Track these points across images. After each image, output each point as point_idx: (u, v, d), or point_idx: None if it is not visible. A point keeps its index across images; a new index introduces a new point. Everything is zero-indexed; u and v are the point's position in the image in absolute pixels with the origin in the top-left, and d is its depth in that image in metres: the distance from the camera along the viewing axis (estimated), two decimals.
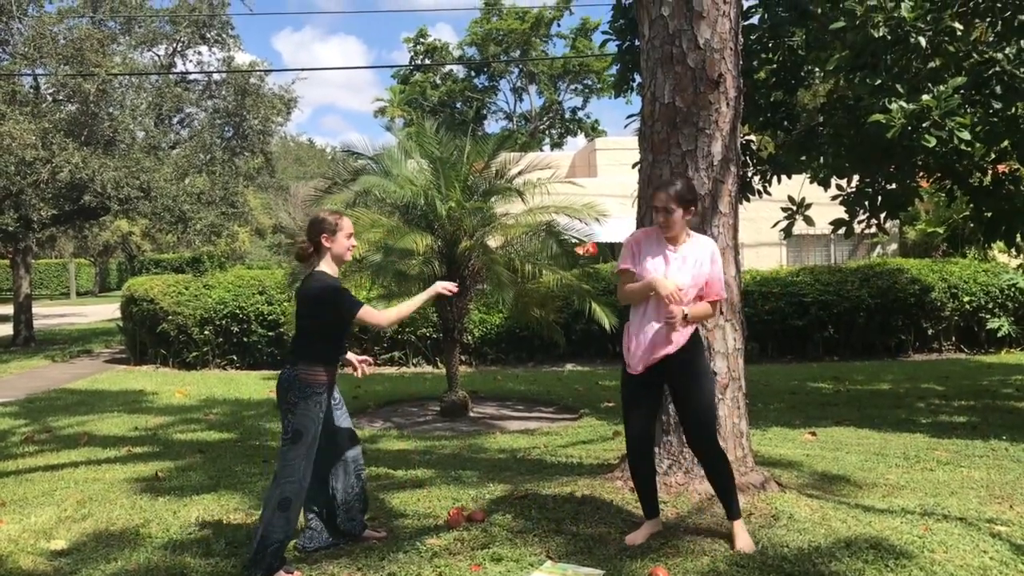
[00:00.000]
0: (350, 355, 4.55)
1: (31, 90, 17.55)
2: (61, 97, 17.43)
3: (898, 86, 7.33)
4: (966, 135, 7.00)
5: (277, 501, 4.07)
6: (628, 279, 4.28)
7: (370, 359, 4.67)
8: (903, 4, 7.13)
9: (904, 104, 7.04)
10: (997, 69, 7.57)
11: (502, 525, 4.60)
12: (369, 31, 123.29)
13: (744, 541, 4.19)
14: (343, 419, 4.48)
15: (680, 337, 4.20)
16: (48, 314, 30.32)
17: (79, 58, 16.11)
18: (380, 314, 4.36)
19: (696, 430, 4.29)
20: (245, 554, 4.23)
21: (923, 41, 7.26)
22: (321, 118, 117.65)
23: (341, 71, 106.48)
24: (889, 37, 7.28)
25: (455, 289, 4.46)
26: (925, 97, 7.02)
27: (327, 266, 4.26)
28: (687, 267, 4.20)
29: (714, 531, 4.40)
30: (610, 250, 19.81)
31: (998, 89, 7.54)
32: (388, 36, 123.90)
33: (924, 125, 7.03)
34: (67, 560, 4.40)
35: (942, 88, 7.06)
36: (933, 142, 7.00)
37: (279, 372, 4.29)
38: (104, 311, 30.37)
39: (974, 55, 7.80)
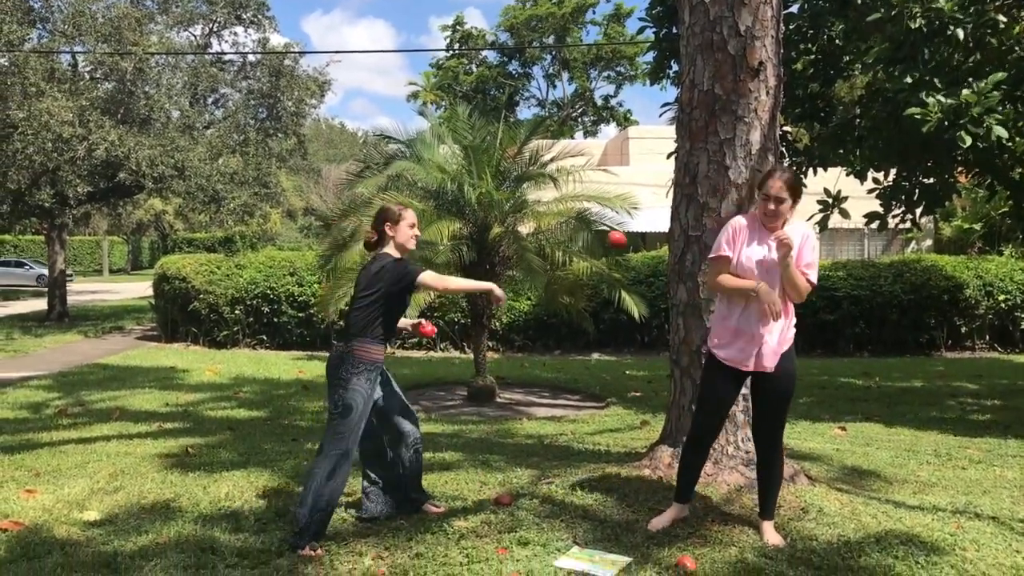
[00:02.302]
0: (403, 322, 4.59)
1: (69, 68, 17.74)
2: (98, 75, 17.62)
3: (936, 80, 7.18)
4: (1003, 132, 6.85)
5: (326, 472, 4.17)
6: (724, 267, 4.12)
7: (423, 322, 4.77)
8: None
9: (942, 99, 6.90)
10: None
11: (529, 509, 4.60)
12: (398, 14, 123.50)
13: (774, 537, 4.15)
14: (395, 394, 4.56)
15: (787, 345, 4.10)
16: (81, 290, 30.77)
17: (117, 36, 16.28)
18: (442, 279, 4.46)
19: (770, 432, 4.24)
20: (288, 526, 4.31)
21: (961, 34, 7.10)
22: (350, 101, 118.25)
23: (370, 55, 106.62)
24: (926, 29, 7.13)
25: (503, 301, 4.47)
26: (964, 92, 6.86)
27: (391, 251, 4.36)
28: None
29: (742, 522, 4.37)
30: (641, 240, 19.72)
31: None
32: (417, 20, 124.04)
33: (961, 121, 6.88)
34: (100, 531, 4.46)
35: (982, 83, 6.90)
36: (969, 141, 6.86)
37: (330, 351, 4.41)
38: (136, 289, 30.80)
39: (1017, 49, 7.64)
